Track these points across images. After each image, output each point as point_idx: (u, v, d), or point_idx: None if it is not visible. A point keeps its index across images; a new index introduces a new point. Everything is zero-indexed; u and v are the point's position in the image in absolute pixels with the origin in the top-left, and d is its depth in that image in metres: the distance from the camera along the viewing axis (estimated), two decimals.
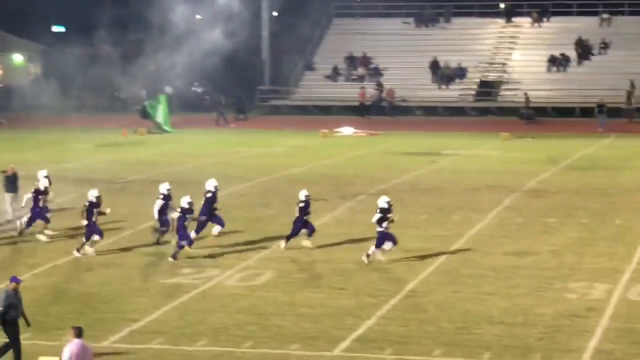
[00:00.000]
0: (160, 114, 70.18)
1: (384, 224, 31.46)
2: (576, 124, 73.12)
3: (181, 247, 32.62)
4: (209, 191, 35.01)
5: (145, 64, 75.47)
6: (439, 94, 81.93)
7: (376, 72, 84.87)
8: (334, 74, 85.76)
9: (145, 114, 70.25)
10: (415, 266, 31.82)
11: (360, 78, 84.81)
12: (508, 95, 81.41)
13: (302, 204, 33.83)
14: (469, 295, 28.72)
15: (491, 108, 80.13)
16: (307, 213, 33.58)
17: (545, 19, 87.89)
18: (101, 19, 70.24)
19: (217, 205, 34.88)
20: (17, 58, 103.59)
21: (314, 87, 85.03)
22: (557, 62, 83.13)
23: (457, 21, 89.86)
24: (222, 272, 31.31)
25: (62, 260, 32.98)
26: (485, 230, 36.88)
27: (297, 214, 33.51)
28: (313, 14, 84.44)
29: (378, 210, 31.61)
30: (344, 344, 24.29)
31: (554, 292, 28.82)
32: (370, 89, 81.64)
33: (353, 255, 32.98)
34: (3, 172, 40.92)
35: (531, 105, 76.31)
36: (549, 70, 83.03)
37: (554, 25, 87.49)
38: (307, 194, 33.87)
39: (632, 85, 77.00)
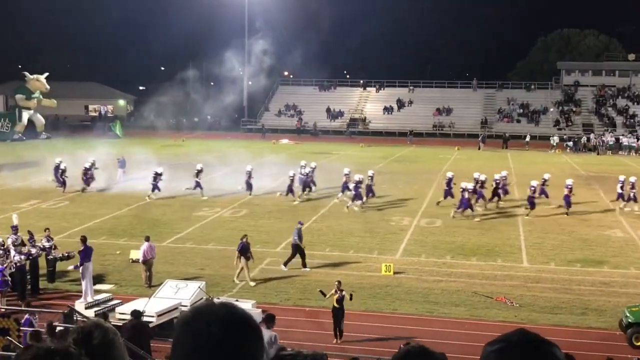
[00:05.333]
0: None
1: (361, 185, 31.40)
2: (389, 140, 73.06)
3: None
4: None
5: (187, 107, 75.04)
6: (330, 124, 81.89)
7: (299, 113, 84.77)
8: (279, 113, 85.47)
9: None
10: (319, 206, 31.97)
11: (292, 116, 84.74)
12: (364, 125, 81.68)
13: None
14: (343, 222, 28.88)
15: (355, 131, 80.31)
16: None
17: (382, 88, 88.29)
18: (166, 81, 69.14)
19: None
20: (121, 102, 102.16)
21: (269, 119, 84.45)
22: (387, 110, 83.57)
23: (340, 88, 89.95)
24: (221, 209, 31.24)
25: (137, 204, 32.66)
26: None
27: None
28: (269, 82, 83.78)
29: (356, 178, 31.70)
30: (281, 245, 24.39)
31: (384, 222, 29.17)
32: (297, 121, 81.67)
33: (288, 202, 33.04)
34: (118, 159, 39.69)
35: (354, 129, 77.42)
36: (384, 113, 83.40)
37: (386, 91, 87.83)
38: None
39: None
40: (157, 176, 33.40)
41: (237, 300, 17.12)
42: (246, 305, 16.31)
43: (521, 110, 79.69)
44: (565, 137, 67.93)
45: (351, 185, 31.74)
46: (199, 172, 33.90)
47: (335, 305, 16.09)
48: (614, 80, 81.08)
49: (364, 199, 31.56)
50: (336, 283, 16.39)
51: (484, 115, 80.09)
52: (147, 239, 20.13)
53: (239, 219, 29.33)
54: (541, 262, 22.89)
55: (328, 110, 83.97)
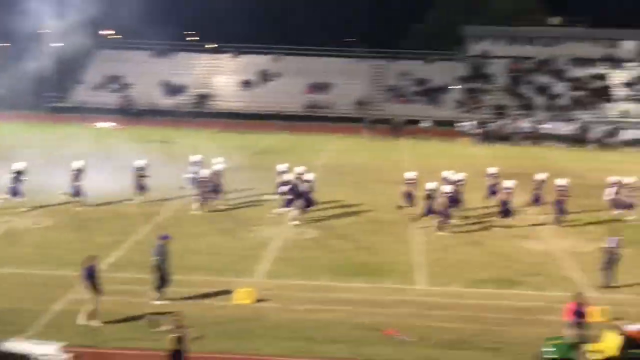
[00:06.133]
0: None
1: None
2: (250, 125, 72.81)
3: None
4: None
5: None
6: (167, 102, 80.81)
7: (125, 87, 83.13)
8: (97, 87, 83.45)
9: None
10: (152, 212, 31.50)
11: (116, 90, 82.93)
12: (213, 105, 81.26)
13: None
14: (189, 233, 28.54)
15: (203, 112, 79.57)
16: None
17: (239, 55, 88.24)
18: None
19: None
20: None
21: (84, 95, 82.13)
22: (246, 84, 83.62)
23: (181, 55, 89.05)
24: (10, 217, 30.12)
25: None
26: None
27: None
28: (85, 45, 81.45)
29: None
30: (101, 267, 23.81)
31: (242, 232, 29.14)
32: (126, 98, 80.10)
33: (110, 207, 32.35)
34: None
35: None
36: (242, 88, 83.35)
37: (244, 60, 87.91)
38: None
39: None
40: (16, 176, 32.06)
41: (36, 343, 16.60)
42: (47, 348, 16.03)
43: (418, 88, 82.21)
44: (471, 122, 70.58)
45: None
46: (79, 171, 33.11)
47: (173, 347, 15.67)
48: (532, 50, 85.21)
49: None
50: (174, 317, 16.02)
51: (371, 93, 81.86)
52: None
53: (41, 232, 28.46)
54: (442, 283, 23.63)
55: (165, 83, 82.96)
